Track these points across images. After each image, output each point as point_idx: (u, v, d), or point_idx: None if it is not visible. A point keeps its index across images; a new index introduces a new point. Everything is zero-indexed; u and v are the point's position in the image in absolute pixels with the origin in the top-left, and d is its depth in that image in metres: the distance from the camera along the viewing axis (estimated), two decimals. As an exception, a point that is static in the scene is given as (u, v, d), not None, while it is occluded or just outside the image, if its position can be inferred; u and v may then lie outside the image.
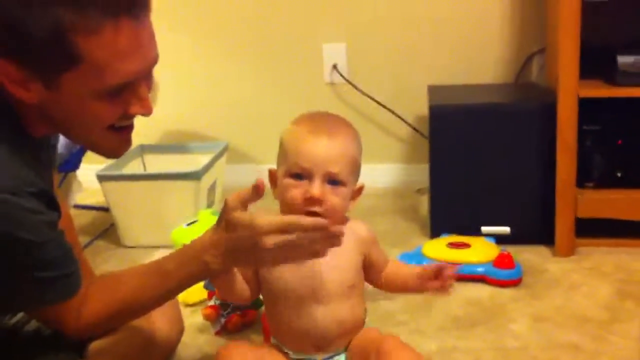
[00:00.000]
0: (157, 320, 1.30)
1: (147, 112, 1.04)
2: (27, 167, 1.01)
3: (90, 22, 0.92)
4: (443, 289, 1.23)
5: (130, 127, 1.08)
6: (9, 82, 0.97)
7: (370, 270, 1.27)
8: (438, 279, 1.23)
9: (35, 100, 0.98)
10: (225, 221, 1.05)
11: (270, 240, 1.02)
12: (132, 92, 1.01)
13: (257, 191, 1.04)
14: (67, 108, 0.99)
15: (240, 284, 1.18)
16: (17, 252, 0.99)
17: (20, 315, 1.24)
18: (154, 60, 1.02)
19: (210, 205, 2.23)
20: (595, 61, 1.91)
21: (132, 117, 1.05)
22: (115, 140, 1.07)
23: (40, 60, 0.94)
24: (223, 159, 2.36)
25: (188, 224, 1.94)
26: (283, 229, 1.02)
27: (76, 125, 1.03)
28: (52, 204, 1.04)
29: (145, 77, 1.02)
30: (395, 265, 1.30)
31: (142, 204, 2.13)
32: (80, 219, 2.38)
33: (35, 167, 1.04)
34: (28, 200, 0.98)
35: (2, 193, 0.95)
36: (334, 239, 1.05)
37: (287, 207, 1.15)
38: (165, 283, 1.12)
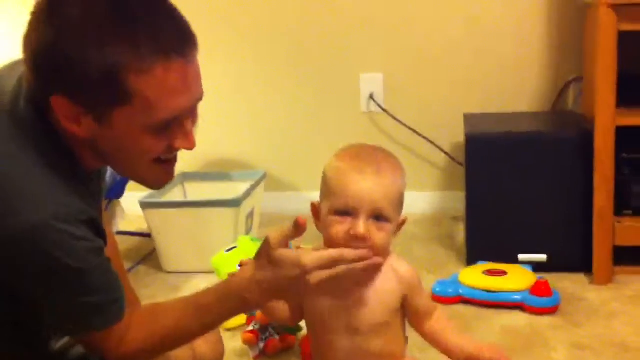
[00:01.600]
0: (200, 344, 1.31)
1: (191, 146, 1.07)
2: (77, 196, 1.04)
3: (142, 62, 0.96)
4: None
5: (173, 160, 1.11)
6: (62, 117, 1.01)
7: (410, 316, 1.23)
8: None
9: (86, 134, 1.02)
10: (268, 258, 1.06)
11: (316, 278, 1.05)
12: (178, 126, 1.04)
13: (298, 228, 1.05)
14: (117, 142, 1.03)
15: (283, 310, 1.19)
16: (64, 277, 1.02)
17: (65, 339, 1.26)
18: (200, 97, 1.05)
19: (248, 231, 2.27)
20: (633, 89, 1.92)
21: (176, 150, 1.08)
22: (159, 172, 1.10)
23: (94, 97, 0.98)
24: (261, 187, 2.41)
25: (228, 250, 1.97)
26: (328, 265, 1.05)
27: (124, 158, 1.07)
28: (99, 232, 1.08)
29: (190, 113, 1.06)
30: (442, 327, 1.22)
31: (183, 231, 2.18)
32: (122, 244, 2.43)
33: (85, 196, 1.08)
34: (77, 227, 1.01)
35: (52, 220, 0.98)
36: (374, 267, 1.06)
37: (331, 242, 1.14)
38: (205, 316, 1.13)
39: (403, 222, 1.21)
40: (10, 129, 1.03)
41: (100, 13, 0.97)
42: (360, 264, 1.06)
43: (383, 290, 1.19)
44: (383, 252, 1.15)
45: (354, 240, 1.11)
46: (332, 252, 1.07)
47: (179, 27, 1.01)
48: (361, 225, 1.12)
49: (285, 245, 1.07)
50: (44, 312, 1.07)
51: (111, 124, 1.00)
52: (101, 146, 1.05)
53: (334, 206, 1.14)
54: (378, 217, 1.14)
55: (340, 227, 1.13)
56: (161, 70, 0.97)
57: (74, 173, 1.07)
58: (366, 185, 1.13)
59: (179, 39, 1.00)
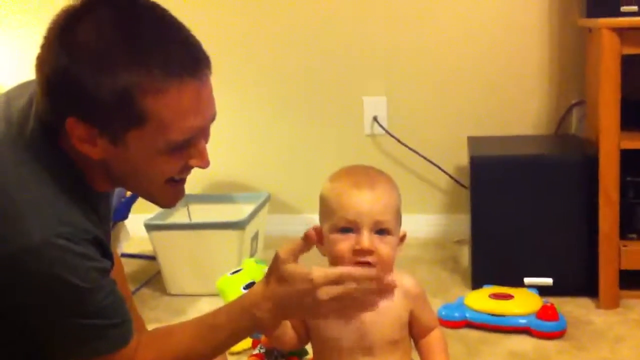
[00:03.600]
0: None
1: (205, 165, 1.08)
2: (84, 216, 1.04)
3: (156, 84, 0.97)
4: None
5: (184, 179, 1.12)
6: (76, 139, 1.02)
7: (412, 328, 1.24)
8: None
9: (100, 155, 1.03)
10: (278, 274, 1.06)
11: (326, 294, 1.04)
12: (192, 146, 1.05)
13: (307, 241, 1.06)
14: (131, 162, 1.04)
15: (289, 333, 1.20)
16: (67, 297, 1.01)
17: None
18: (213, 117, 1.07)
19: (253, 254, 2.26)
20: (636, 112, 1.92)
21: (190, 169, 1.09)
22: (172, 192, 1.11)
23: (108, 120, 0.99)
24: (265, 209, 2.41)
25: (232, 273, 1.96)
26: (338, 281, 1.04)
27: (138, 178, 1.07)
28: (106, 253, 1.07)
29: (203, 132, 1.07)
30: (434, 348, 1.24)
31: (188, 253, 2.17)
32: (127, 267, 2.41)
33: (93, 217, 1.08)
34: (82, 246, 1.01)
35: (57, 238, 0.98)
36: (386, 290, 1.06)
37: (336, 262, 1.15)
38: (216, 337, 1.11)
39: (403, 237, 1.22)
40: (19, 149, 1.03)
41: (113, 37, 0.98)
42: (372, 284, 1.05)
43: (391, 308, 1.20)
44: (389, 266, 1.16)
45: (359, 254, 1.13)
46: (342, 268, 1.07)
47: (191, 49, 1.02)
48: (365, 239, 1.13)
49: (295, 260, 1.06)
50: (49, 338, 1.05)
51: (126, 146, 1.01)
52: (115, 167, 1.05)
53: (335, 224, 1.16)
54: (380, 230, 1.15)
55: (344, 244, 1.15)
56: (175, 92, 0.98)
57: (82, 194, 1.07)
58: (365, 199, 1.15)
59: (191, 61, 1.01)
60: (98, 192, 1.12)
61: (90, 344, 1.05)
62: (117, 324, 1.07)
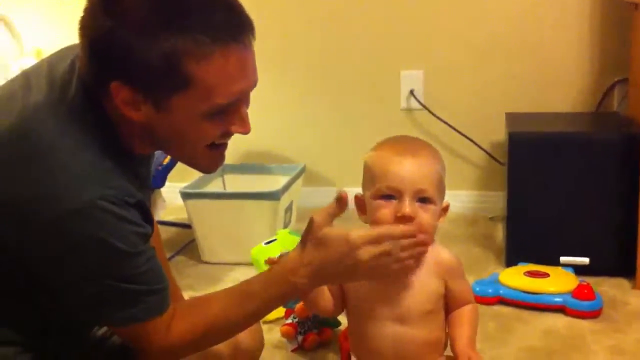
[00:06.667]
0: (241, 333, 1.32)
1: (246, 130, 1.08)
2: (126, 180, 1.05)
3: (201, 49, 0.97)
4: None
5: (225, 145, 1.12)
6: (120, 102, 1.02)
7: (447, 298, 1.24)
8: None
9: (144, 119, 1.03)
10: (314, 238, 1.05)
11: (366, 253, 1.03)
12: (234, 112, 1.05)
13: (341, 204, 1.05)
14: (174, 127, 1.04)
15: (327, 299, 1.21)
16: (109, 260, 1.01)
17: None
18: (255, 82, 1.06)
19: (287, 225, 2.27)
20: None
21: (231, 135, 1.09)
22: (213, 157, 1.11)
23: (153, 84, 1.00)
24: (300, 181, 2.41)
25: (267, 243, 1.98)
26: (376, 241, 1.04)
27: (180, 143, 1.08)
28: (147, 218, 1.08)
29: (245, 98, 1.07)
30: (462, 319, 1.23)
31: (223, 222, 2.19)
32: (162, 234, 2.45)
33: (135, 181, 1.08)
34: (126, 209, 1.02)
35: (99, 200, 0.99)
36: (424, 251, 1.08)
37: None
38: (253, 304, 1.11)
39: (446, 209, 1.23)
40: (62, 112, 1.04)
41: (158, 2, 0.98)
42: (408, 241, 1.07)
43: (427, 278, 1.21)
44: (430, 235, 1.17)
45: (400, 221, 1.14)
46: (380, 229, 1.08)
47: (235, 14, 1.02)
48: (407, 205, 1.14)
49: (330, 224, 1.06)
50: (85, 302, 1.05)
51: (170, 110, 1.01)
52: (158, 131, 1.06)
53: (378, 191, 1.17)
54: (422, 199, 1.16)
55: (386, 210, 1.16)
56: (220, 57, 0.98)
57: (124, 157, 1.08)
58: (407, 167, 1.16)
59: (236, 26, 1.01)
60: (139, 156, 1.13)
61: (126, 310, 1.05)
62: (155, 290, 1.07)
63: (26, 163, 1.00)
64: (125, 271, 1.03)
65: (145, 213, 1.08)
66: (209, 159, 1.11)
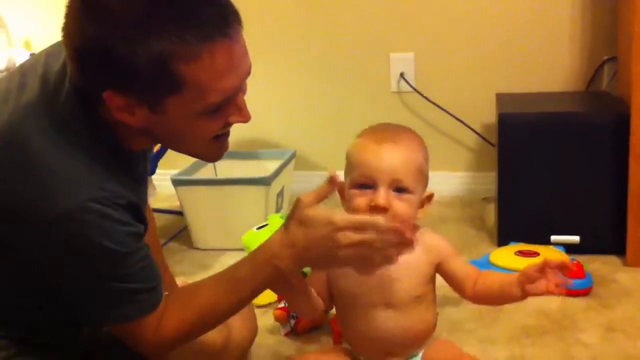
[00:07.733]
0: (233, 320, 1.32)
1: (245, 119, 1.07)
2: (117, 181, 1.04)
3: (189, 49, 0.95)
4: (551, 291, 1.09)
5: (228, 133, 1.11)
6: (114, 109, 1.01)
7: (453, 282, 1.24)
8: (542, 280, 1.09)
9: (140, 122, 1.03)
10: (299, 218, 1.04)
11: (347, 238, 1.01)
12: (231, 104, 1.04)
13: (331, 184, 1.03)
14: (173, 127, 1.04)
15: (315, 298, 1.20)
16: (101, 261, 1.02)
17: None
18: (248, 72, 1.05)
19: (278, 210, 2.28)
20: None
21: (231, 124, 1.08)
22: (216, 147, 1.10)
23: (145, 89, 0.98)
24: (291, 166, 2.41)
25: (258, 228, 1.99)
26: (359, 227, 1.02)
27: (181, 139, 1.08)
28: (139, 217, 1.08)
29: (241, 88, 1.06)
30: (485, 276, 1.21)
31: (214, 208, 2.20)
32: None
33: (127, 181, 1.08)
34: (115, 210, 1.02)
35: (88, 202, 0.99)
36: (406, 245, 1.03)
37: None
38: (239, 290, 1.11)
39: (429, 198, 1.21)
40: (53, 112, 1.03)
41: (139, 3, 0.95)
42: (393, 237, 1.02)
43: (414, 263, 1.20)
44: (409, 225, 1.14)
45: (374, 211, 1.12)
46: (366, 217, 1.04)
47: (220, 7, 1.00)
48: (380, 196, 1.13)
49: (316, 205, 1.04)
50: (79, 302, 1.07)
51: (166, 112, 1.01)
52: (157, 132, 1.05)
53: (354, 180, 1.17)
54: (399, 189, 1.15)
55: (361, 199, 1.15)
56: (208, 55, 0.97)
57: (119, 156, 1.08)
58: (383, 155, 1.15)
59: (221, 19, 0.98)
60: (133, 153, 1.12)
61: (120, 309, 1.06)
62: (147, 288, 1.07)
63: (15, 167, 1.00)
64: (119, 271, 1.04)
65: (137, 212, 1.08)
66: (212, 149, 1.11)
